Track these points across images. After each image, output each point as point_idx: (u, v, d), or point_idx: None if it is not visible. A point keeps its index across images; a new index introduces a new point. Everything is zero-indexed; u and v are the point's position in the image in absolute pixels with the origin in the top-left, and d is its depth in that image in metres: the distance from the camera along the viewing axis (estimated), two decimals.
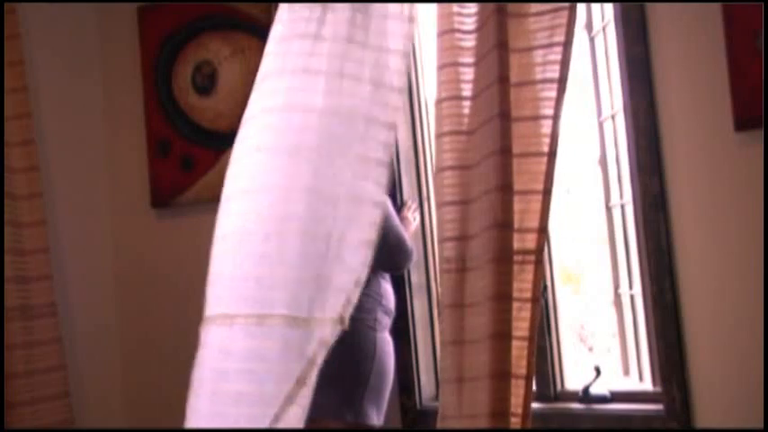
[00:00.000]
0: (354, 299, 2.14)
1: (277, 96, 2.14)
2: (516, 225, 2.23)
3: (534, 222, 2.24)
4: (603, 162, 3.16)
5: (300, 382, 2.01)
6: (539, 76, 2.27)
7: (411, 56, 2.44)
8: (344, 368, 2.75)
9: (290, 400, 2.00)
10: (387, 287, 2.90)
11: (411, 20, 2.23)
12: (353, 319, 2.76)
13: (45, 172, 3.70)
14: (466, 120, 2.38)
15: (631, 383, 3.08)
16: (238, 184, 2.13)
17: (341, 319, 2.13)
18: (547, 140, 2.24)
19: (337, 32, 2.17)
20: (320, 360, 2.07)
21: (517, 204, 2.23)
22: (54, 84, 3.85)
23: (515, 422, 2.23)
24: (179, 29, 3.80)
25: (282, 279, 2.14)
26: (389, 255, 2.82)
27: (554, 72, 2.24)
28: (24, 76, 3.62)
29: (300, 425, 1.96)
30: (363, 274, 2.18)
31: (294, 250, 2.19)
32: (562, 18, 2.23)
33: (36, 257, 3.58)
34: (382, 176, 2.24)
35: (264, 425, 1.96)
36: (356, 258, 2.17)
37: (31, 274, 3.56)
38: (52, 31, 3.85)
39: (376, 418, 2.79)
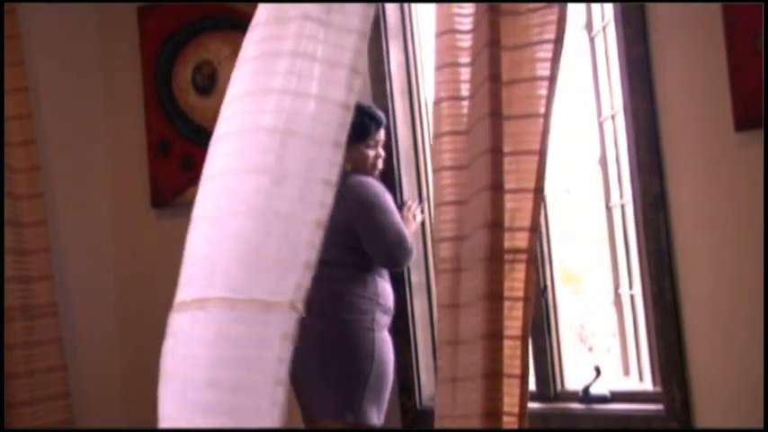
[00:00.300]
0: (306, 283, 2.17)
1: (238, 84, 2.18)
2: (507, 224, 2.22)
3: (526, 221, 2.24)
4: (604, 162, 3.16)
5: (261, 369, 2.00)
6: (530, 74, 2.26)
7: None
8: (344, 368, 2.76)
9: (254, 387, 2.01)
10: (385, 286, 2.89)
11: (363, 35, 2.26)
12: (351, 320, 2.79)
13: (45, 172, 3.70)
14: (465, 120, 2.39)
15: (631, 383, 3.08)
16: (205, 171, 2.17)
17: (292, 305, 2.14)
18: (537, 138, 2.24)
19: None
20: (286, 354, 2.06)
21: (509, 203, 2.22)
22: (54, 84, 3.85)
23: (511, 422, 2.22)
24: (179, 29, 3.80)
25: (226, 261, 2.19)
26: (389, 251, 2.82)
27: (545, 69, 2.24)
28: (25, 76, 3.62)
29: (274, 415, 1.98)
30: (313, 256, 2.20)
31: (241, 231, 2.23)
32: (552, 15, 2.23)
33: (37, 257, 3.58)
34: (336, 156, 2.26)
35: (246, 416, 1.97)
36: (305, 239, 2.17)
37: (33, 273, 3.56)
38: (52, 32, 3.85)
39: (376, 417, 2.79)
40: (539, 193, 2.23)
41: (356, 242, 2.83)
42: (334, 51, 2.23)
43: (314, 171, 2.29)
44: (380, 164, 3.04)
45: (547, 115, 2.22)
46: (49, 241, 3.63)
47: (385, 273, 2.92)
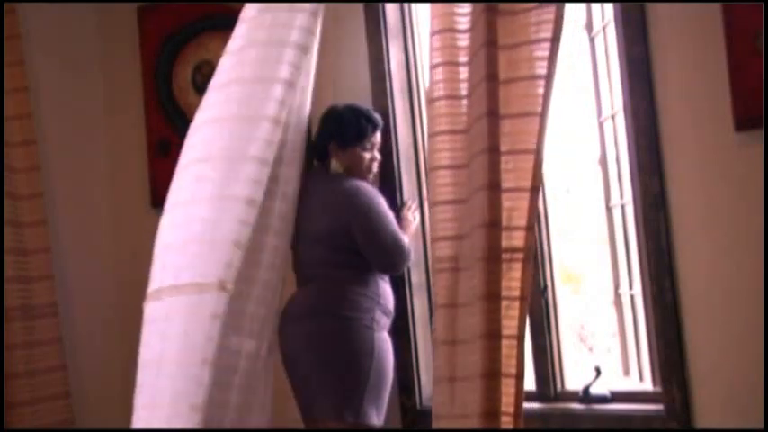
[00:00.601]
0: (236, 262, 2.20)
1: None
2: (505, 223, 2.23)
3: (522, 221, 2.24)
4: (604, 162, 3.15)
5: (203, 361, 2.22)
6: (528, 72, 2.26)
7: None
8: (343, 368, 2.75)
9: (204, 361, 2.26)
10: (385, 287, 2.89)
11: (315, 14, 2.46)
12: (351, 318, 2.78)
13: (45, 172, 3.71)
14: (463, 119, 2.38)
15: (631, 383, 3.08)
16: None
17: (220, 284, 2.21)
18: (533, 138, 2.24)
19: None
20: (214, 333, 2.24)
21: (506, 202, 2.23)
22: (55, 84, 3.85)
23: (507, 421, 2.22)
24: (179, 29, 3.80)
25: (173, 249, 2.35)
26: (386, 256, 2.82)
27: (542, 69, 2.24)
28: (25, 76, 3.63)
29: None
30: (243, 234, 2.29)
31: (187, 217, 2.37)
32: (549, 14, 2.23)
33: (37, 257, 3.58)
34: (271, 134, 2.40)
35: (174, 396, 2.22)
36: (233, 215, 2.29)
37: (33, 273, 3.56)
38: (52, 32, 3.85)
39: (376, 417, 2.78)
40: (535, 191, 2.23)
41: (355, 245, 2.82)
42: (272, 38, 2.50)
43: (244, 150, 2.39)
44: (375, 167, 3.03)
45: (543, 114, 2.22)
46: (50, 241, 3.63)
47: (386, 276, 2.92)
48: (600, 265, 4.92)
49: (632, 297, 3.05)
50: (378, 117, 3.00)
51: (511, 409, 2.22)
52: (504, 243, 2.21)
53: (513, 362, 2.24)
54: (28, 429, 3.47)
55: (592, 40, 3.16)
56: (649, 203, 2.77)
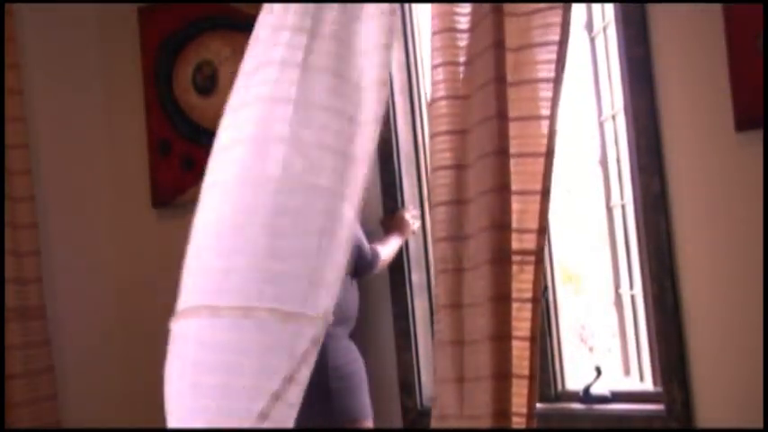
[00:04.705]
0: (336, 295, 2.13)
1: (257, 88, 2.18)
2: (515, 225, 2.22)
3: (533, 223, 2.24)
4: (604, 162, 3.16)
5: (289, 379, 1.96)
6: (534, 75, 2.26)
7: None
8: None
9: (276, 396, 1.94)
10: (344, 295, 2.90)
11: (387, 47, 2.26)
12: None
13: (44, 173, 3.70)
14: (459, 119, 2.38)
15: (632, 383, 3.08)
16: (217, 176, 2.14)
17: (326, 315, 2.11)
18: (543, 141, 2.24)
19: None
20: (312, 359, 2.04)
21: (515, 204, 2.22)
22: (54, 85, 3.83)
23: (520, 422, 2.23)
24: (179, 29, 3.79)
25: (271, 272, 2.15)
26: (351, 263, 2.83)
27: (549, 71, 2.23)
28: (19, 79, 3.61)
29: (290, 423, 1.94)
30: (344, 270, 2.17)
31: (286, 244, 2.20)
32: (556, 16, 2.22)
33: (29, 259, 3.57)
34: (358, 176, 2.25)
35: (250, 420, 1.94)
36: (342, 255, 2.13)
37: (26, 275, 3.55)
38: (51, 33, 3.84)
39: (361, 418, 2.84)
40: (545, 194, 2.23)
41: None
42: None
43: (344, 189, 2.28)
44: None
45: (553, 117, 2.22)
46: (41, 244, 3.62)
47: (344, 281, 2.92)
48: (600, 265, 4.94)
49: (633, 297, 3.04)
50: None
51: (523, 410, 2.22)
52: (516, 246, 2.21)
53: (526, 363, 2.24)
54: (29, 429, 3.46)
55: (592, 39, 3.16)
56: (650, 203, 2.77)
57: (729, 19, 2.53)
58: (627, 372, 3.14)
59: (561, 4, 2.23)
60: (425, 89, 3.44)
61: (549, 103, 2.23)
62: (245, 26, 3.60)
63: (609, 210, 3.17)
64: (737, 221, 2.60)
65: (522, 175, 2.25)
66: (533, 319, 2.24)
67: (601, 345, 5.48)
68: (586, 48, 3.18)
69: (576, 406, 3.02)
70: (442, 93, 2.40)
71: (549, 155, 2.23)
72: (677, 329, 2.72)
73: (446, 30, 2.41)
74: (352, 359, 2.91)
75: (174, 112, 3.80)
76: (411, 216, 3.16)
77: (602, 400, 2.99)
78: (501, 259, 2.15)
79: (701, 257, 2.70)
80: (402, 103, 3.37)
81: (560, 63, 2.23)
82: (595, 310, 5.53)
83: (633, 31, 2.78)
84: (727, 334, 2.63)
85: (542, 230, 2.24)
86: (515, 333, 2.20)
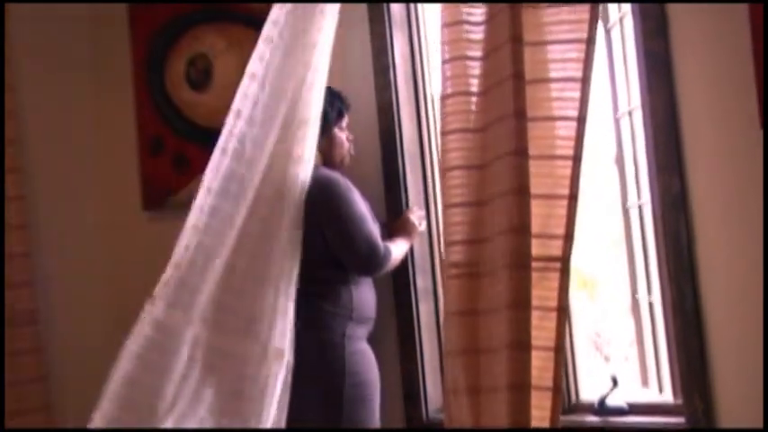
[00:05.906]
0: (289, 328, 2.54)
1: None
2: (539, 230, 2.23)
3: (560, 229, 2.24)
4: (620, 161, 3.12)
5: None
6: (556, 74, 2.24)
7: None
8: (319, 387, 2.75)
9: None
10: (360, 295, 2.86)
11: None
12: (320, 339, 2.75)
13: (32, 172, 3.69)
14: (473, 117, 2.37)
15: (650, 395, 3.05)
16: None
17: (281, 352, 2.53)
18: (570, 143, 2.25)
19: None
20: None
21: (539, 209, 2.22)
22: (42, 80, 3.80)
23: None
24: (172, 21, 3.73)
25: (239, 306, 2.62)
26: (360, 261, 2.78)
27: (576, 71, 2.23)
28: (4, 75, 3.60)
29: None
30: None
31: (249, 280, 2.60)
32: (583, 13, 2.20)
33: (17, 261, 3.56)
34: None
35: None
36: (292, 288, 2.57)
37: (14, 279, 3.53)
38: (39, 26, 3.80)
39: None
40: (573, 199, 2.21)
41: (328, 254, 2.79)
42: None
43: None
44: (353, 150, 3.04)
45: (581, 119, 2.20)
46: (32, 245, 3.61)
47: (362, 280, 2.88)
48: (616, 269, 4.94)
49: (651, 303, 3.02)
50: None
51: (546, 424, 2.18)
52: (540, 251, 2.20)
53: (549, 375, 2.22)
54: (30, 430, 3.46)
55: (608, 32, 3.11)
56: (668, 204, 2.72)
57: (754, 12, 2.45)
58: (645, 382, 3.11)
59: (590, 2, 2.21)
60: (431, 83, 3.40)
61: (576, 104, 2.21)
62: (241, 18, 3.59)
63: (625, 211, 3.13)
64: (761, 223, 2.52)
65: (547, 177, 2.24)
66: (558, 329, 2.22)
67: (617, 353, 5.48)
68: (601, 40, 3.12)
69: (591, 418, 2.99)
70: (453, 89, 2.43)
71: (577, 159, 2.23)
72: (698, 337, 2.68)
73: (457, 22, 2.42)
74: (370, 367, 2.85)
75: (167, 107, 3.75)
76: (416, 217, 3.09)
77: (619, 412, 2.96)
78: (519, 264, 2.15)
79: (722, 261, 2.65)
80: (406, 97, 3.31)
81: (588, 62, 2.24)
82: (611, 317, 5.55)
83: (651, 24, 2.73)
84: (751, 342, 2.55)
85: (569, 237, 2.25)
86: (537, 343, 2.20)
